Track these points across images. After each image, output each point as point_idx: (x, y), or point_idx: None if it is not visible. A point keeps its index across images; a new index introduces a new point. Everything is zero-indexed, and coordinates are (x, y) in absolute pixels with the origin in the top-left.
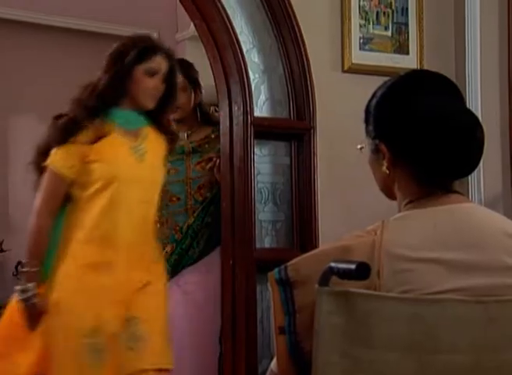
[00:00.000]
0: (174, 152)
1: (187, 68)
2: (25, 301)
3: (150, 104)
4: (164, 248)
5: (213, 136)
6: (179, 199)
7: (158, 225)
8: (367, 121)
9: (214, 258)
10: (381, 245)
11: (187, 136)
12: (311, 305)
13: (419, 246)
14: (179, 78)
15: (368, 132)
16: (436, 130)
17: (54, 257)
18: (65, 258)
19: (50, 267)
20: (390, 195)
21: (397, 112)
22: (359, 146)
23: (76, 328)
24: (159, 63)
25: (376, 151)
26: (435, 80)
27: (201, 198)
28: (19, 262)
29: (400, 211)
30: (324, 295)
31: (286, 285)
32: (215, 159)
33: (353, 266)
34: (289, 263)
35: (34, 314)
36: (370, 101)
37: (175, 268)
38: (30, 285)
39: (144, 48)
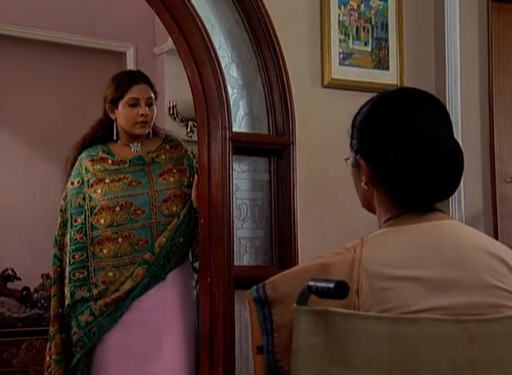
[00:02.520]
0: (133, 163)
1: (151, 82)
2: None
3: None
4: (132, 271)
5: (167, 146)
6: (144, 212)
7: (120, 239)
8: (351, 134)
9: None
10: (360, 263)
11: (140, 147)
12: (290, 324)
13: (398, 264)
14: (150, 93)
15: (351, 145)
16: (416, 153)
17: None
18: None
19: None
20: (371, 210)
21: (379, 131)
22: (344, 157)
23: None
24: None
25: (357, 165)
26: (421, 99)
27: (167, 211)
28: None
29: (380, 227)
30: (302, 315)
31: (264, 304)
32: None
33: (331, 285)
34: (267, 281)
35: None
36: (356, 115)
37: (143, 290)
38: None
39: None
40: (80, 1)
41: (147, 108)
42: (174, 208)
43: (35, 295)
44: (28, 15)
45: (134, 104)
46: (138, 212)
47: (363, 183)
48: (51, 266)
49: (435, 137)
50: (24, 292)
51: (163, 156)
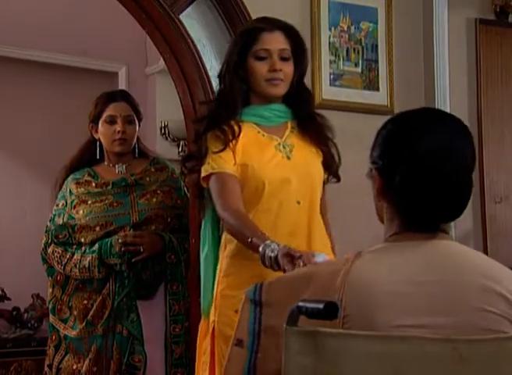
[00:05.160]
0: (116, 185)
1: (133, 100)
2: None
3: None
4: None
5: (153, 169)
6: (124, 231)
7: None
8: (373, 146)
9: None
10: (348, 274)
11: (125, 168)
12: (273, 328)
13: (386, 279)
14: (129, 110)
15: (370, 154)
16: (419, 177)
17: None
18: (220, 277)
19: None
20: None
21: (394, 150)
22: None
23: None
24: None
25: (371, 176)
26: (441, 122)
27: (146, 229)
28: None
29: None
30: (292, 336)
31: (257, 305)
32: None
33: (321, 306)
34: (265, 282)
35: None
36: (382, 128)
37: None
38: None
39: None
40: (72, 21)
41: (124, 126)
42: (153, 228)
43: (25, 315)
44: (20, 35)
45: (111, 121)
46: (118, 231)
47: (374, 195)
48: (41, 285)
49: (444, 160)
50: (14, 312)
51: (147, 178)
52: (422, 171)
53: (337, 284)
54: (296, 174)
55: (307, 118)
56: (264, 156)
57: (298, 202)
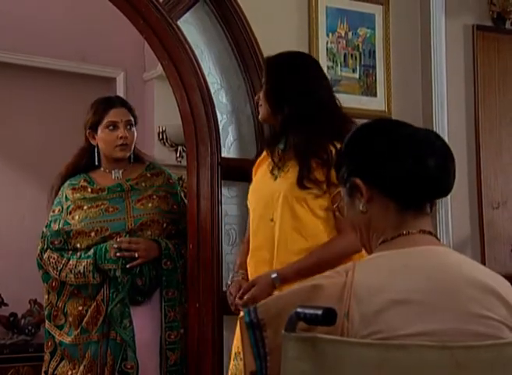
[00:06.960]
0: (111, 190)
1: (130, 105)
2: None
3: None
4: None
5: (149, 174)
6: (120, 236)
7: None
8: (339, 168)
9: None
10: (351, 287)
11: (122, 174)
12: (280, 346)
13: (388, 288)
14: (129, 116)
15: (341, 179)
16: (409, 151)
17: None
18: None
19: None
20: (366, 245)
21: (369, 142)
22: (335, 205)
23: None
24: None
25: (351, 190)
26: (398, 122)
27: (141, 235)
28: None
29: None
30: (291, 341)
31: (255, 328)
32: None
33: (319, 312)
34: (258, 304)
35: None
36: (338, 150)
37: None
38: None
39: None
40: (70, 27)
41: (126, 131)
42: (149, 233)
43: (22, 321)
44: (18, 41)
45: (113, 127)
46: (113, 235)
47: (361, 206)
48: (38, 291)
49: (426, 137)
50: (11, 318)
51: (143, 184)
52: (408, 145)
53: (345, 297)
54: (271, 193)
55: (293, 137)
56: (256, 178)
57: (271, 220)
